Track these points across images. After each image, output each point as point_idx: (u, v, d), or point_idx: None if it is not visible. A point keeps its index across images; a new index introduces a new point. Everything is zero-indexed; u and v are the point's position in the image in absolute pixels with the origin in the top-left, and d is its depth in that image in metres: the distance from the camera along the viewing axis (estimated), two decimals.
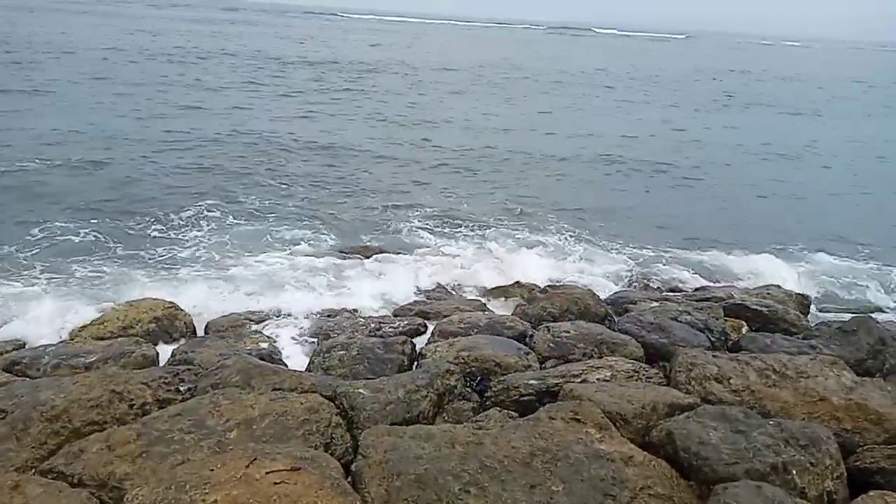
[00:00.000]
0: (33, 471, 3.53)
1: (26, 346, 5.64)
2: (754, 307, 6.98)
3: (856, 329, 6.02)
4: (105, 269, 7.99)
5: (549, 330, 6.12)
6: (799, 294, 8.14)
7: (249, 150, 15.37)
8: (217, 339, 5.83)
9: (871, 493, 3.39)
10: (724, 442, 3.60)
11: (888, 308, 8.63)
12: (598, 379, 4.91)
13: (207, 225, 10.04)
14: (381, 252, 9.15)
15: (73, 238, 9.05)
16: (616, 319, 6.83)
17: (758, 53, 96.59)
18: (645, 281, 8.84)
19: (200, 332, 6.31)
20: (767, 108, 30.86)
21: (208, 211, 10.62)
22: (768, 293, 7.88)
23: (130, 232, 9.52)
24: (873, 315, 7.16)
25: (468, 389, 5.11)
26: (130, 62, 29.21)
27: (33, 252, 8.42)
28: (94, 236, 9.17)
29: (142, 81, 23.96)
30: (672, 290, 8.45)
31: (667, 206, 13.45)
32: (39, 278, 7.56)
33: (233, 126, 17.61)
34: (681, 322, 6.41)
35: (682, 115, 26.63)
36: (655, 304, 7.13)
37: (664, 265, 9.87)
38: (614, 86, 36.04)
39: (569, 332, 6.04)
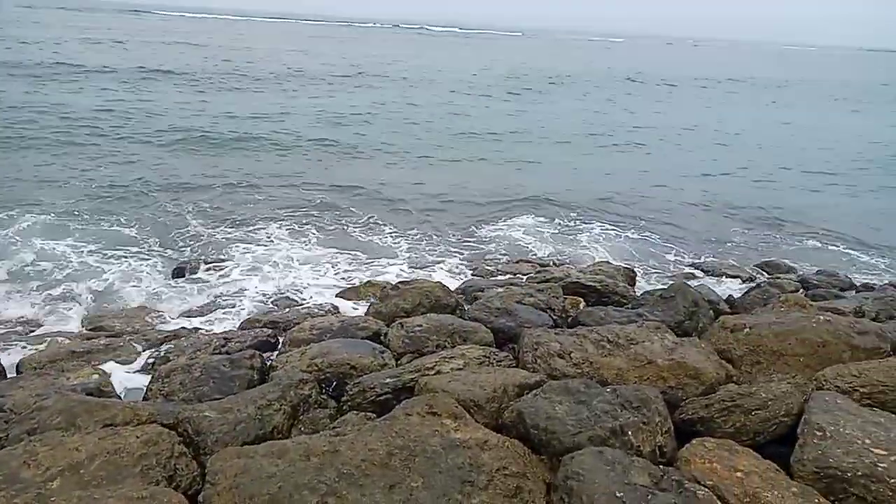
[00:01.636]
0: None
1: None
2: (589, 283, 7.54)
3: (674, 295, 6.71)
4: None
5: (402, 326, 6.13)
6: (626, 267, 8.93)
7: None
8: (34, 378, 5.15)
9: (694, 441, 3.80)
10: (569, 414, 3.84)
11: (699, 273, 9.75)
12: (451, 369, 5.01)
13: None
14: (214, 262, 8.66)
15: None
16: (467, 309, 7.03)
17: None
18: (489, 268, 9.20)
19: (12, 372, 5.54)
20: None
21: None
22: (600, 269, 8.56)
23: None
24: (687, 281, 8.07)
25: (324, 396, 4.98)
26: None
27: None
28: None
29: None
30: (515, 275, 8.89)
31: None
32: None
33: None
34: (525, 304, 6.75)
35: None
36: (501, 289, 7.45)
37: (516, 251, 10.41)
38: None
39: (421, 325, 6.10)
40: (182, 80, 28.37)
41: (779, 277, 9.11)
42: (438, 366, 5.04)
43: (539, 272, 8.79)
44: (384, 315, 6.82)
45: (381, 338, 6.11)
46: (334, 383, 5.16)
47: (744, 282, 9.14)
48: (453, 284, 8.32)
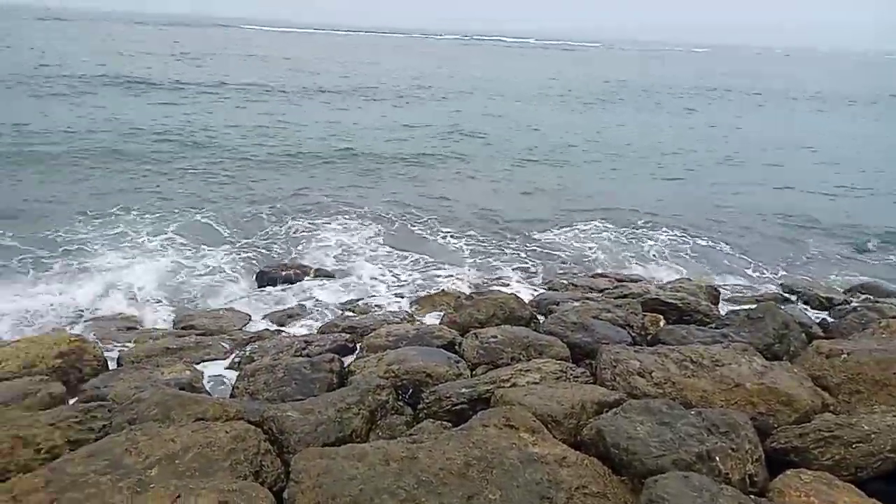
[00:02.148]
0: None
1: None
2: (669, 300, 7.31)
3: (762, 315, 6.42)
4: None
5: (476, 336, 6.15)
6: (709, 285, 8.60)
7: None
8: (132, 371, 5.50)
9: (788, 472, 3.61)
10: (651, 435, 3.73)
11: (787, 293, 9.27)
12: (527, 382, 4.98)
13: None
14: (300, 268, 8.97)
15: None
16: (541, 321, 6.98)
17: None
18: (567, 281, 9.08)
19: (113, 365, 5.93)
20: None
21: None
22: (681, 286, 8.28)
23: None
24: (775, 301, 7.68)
25: (400, 403, 5.06)
26: None
27: None
28: None
29: None
30: (592, 289, 8.74)
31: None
32: None
33: None
34: (602, 320, 6.62)
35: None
36: (577, 303, 7.34)
37: (586, 265, 10.27)
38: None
39: (496, 337, 6.10)
40: (285, 95, 29.51)
41: (878, 301, 8.51)
42: (514, 378, 5.02)
43: (616, 287, 8.59)
44: (458, 325, 6.86)
45: (456, 347, 6.14)
46: (410, 390, 5.23)
47: (838, 304, 8.60)
48: (527, 296, 8.30)
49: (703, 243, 11.57)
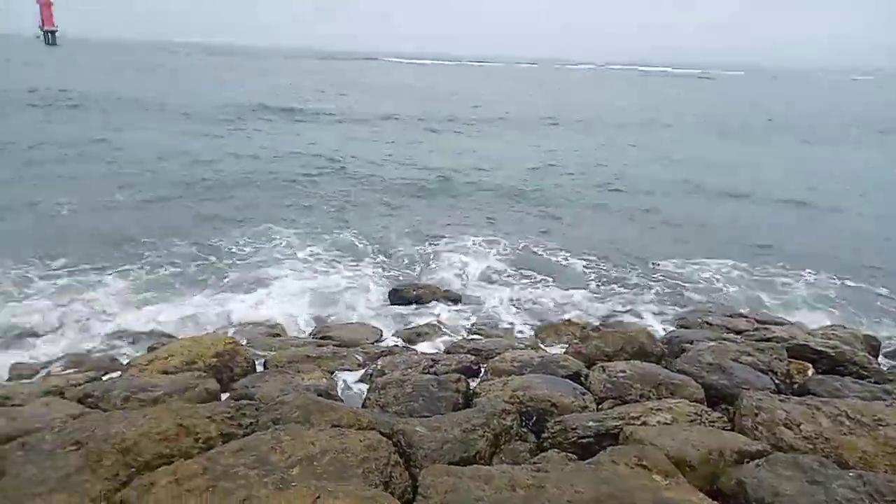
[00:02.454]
0: (106, 502, 3.64)
1: (100, 378, 5.86)
2: (820, 348, 6.71)
3: None
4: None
5: (604, 370, 6.01)
6: (867, 335, 7.79)
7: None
8: (276, 375, 5.94)
9: None
10: (801, 494, 3.45)
11: None
12: (658, 422, 4.79)
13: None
14: (429, 289, 9.24)
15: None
16: (673, 360, 6.67)
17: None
18: (701, 319, 8.61)
19: (259, 368, 6.45)
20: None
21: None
22: (834, 333, 7.57)
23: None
24: None
25: (524, 430, 5.05)
26: None
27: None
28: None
29: None
30: (729, 330, 8.21)
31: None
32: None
33: None
34: (742, 363, 6.21)
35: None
36: (713, 343, 6.94)
37: (720, 304, 9.70)
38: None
39: (625, 371, 5.92)
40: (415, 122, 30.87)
41: None
42: (645, 416, 4.84)
43: (757, 329, 8.02)
44: (584, 356, 6.74)
45: (582, 379, 6.03)
46: (534, 418, 5.20)
47: None
48: (656, 331, 7.99)
49: (856, 286, 10.51)
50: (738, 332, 7.87)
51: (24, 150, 18.58)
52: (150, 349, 6.79)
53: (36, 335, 7.43)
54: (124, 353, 7.00)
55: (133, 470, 3.93)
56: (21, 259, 9.68)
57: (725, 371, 5.98)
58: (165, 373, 5.88)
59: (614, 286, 10.21)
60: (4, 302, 8.12)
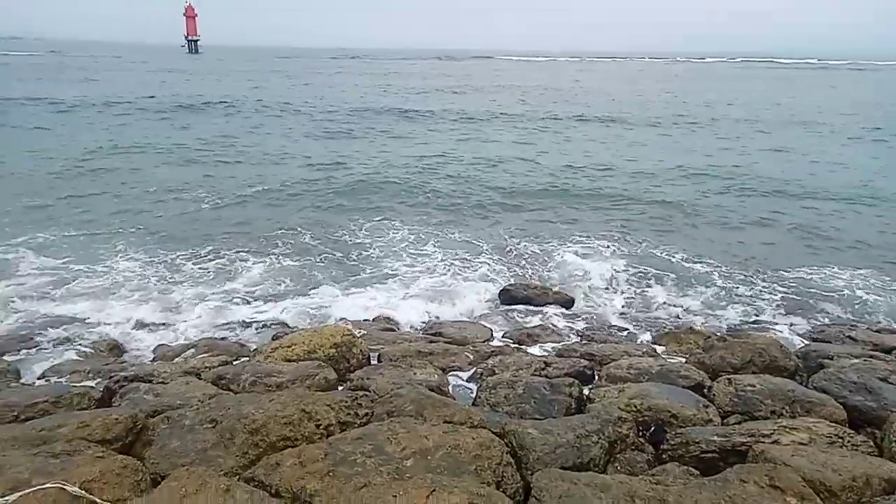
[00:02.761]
0: (237, 477, 3.90)
1: (229, 363, 6.31)
2: None
3: None
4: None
5: (730, 382, 5.64)
6: None
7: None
8: (390, 368, 6.10)
9: None
10: None
11: None
12: (793, 441, 4.41)
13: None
14: (542, 290, 9.13)
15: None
16: (809, 376, 6.14)
17: None
18: (843, 333, 7.86)
19: (374, 360, 6.66)
20: None
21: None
22: None
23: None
24: None
25: (641, 440, 4.84)
26: None
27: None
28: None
29: None
30: (876, 346, 7.43)
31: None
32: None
33: None
34: (892, 384, 5.59)
35: None
36: (857, 360, 6.30)
37: (867, 316, 8.83)
38: None
39: (754, 385, 5.53)
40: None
41: None
42: (777, 435, 4.48)
43: None
44: (707, 367, 6.37)
45: (704, 391, 5.70)
46: (652, 428, 4.98)
47: None
48: (788, 343, 7.38)
49: None
50: (888, 351, 7.11)
51: (190, 151, 20.57)
52: (274, 338, 7.21)
53: (178, 319, 8.16)
54: (252, 341, 7.49)
55: (260, 450, 4.19)
56: (170, 247, 10.80)
57: (873, 392, 5.41)
58: (288, 360, 6.21)
59: (739, 293, 9.58)
60: (155, 288, 8.98)
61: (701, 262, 10.93)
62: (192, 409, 4.68)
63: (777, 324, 8.57)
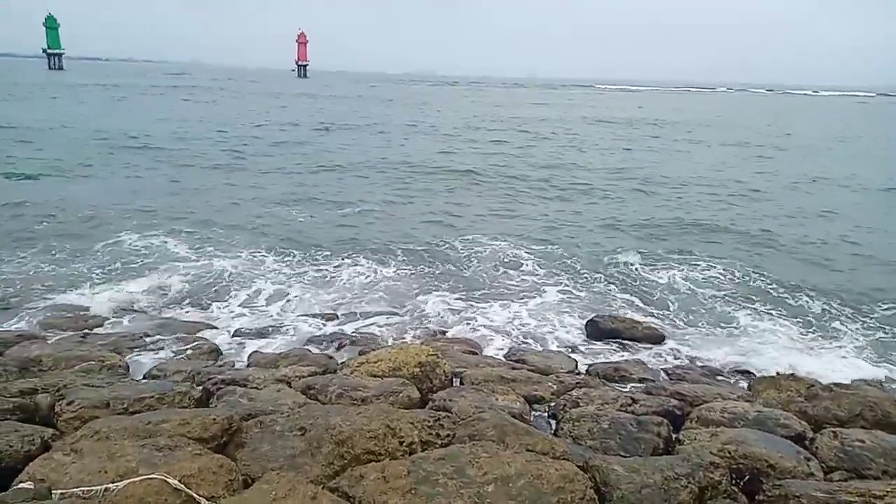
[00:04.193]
0: (322, 486, 4.02)
1: (318, 374, 6.53)
2: None
3: None
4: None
5: (836, 436, 5.25)
6: None
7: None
8: (472, 392, 6.10)
9: None
10: None
11: None
12: None
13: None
14: (630, 323, 8.88)
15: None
16: None
17: None
18: None
19: (456, 382, 6.68)
20: None
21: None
22: None
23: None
24: None
25: (734, 488, 4.58)
26: None
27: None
28: None
29: None
30: None
31: None
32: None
33: None
34: None
35: None
36: None
37: None
38: None
39: (863, 441, 5.11)
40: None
41: None
42: (890, 498, 4.11)
43: None
44: (809, 417, 5.95)
45: (806, 442, 5.32)
46: (747, 477, 4.70)
47: None
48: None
49: None
50: None
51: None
52: (361, 353, 7.39)
53: (273, 330, 8.57)
54: (340, 354, 7.72)
55: (346, 461, 4.30)
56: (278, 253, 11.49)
57: None
58: (373, 376, 6.35)
59: (847, 335, 8.90)
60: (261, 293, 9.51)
61: (806, 296, 10.27)
62: (283, 415, 4.89)
63: (888, 373, 7.90)
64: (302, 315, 9.03)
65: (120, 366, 6.75)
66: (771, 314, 9.74)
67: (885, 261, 12.75)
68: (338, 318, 9.03)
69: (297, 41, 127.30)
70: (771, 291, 10.71)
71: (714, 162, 27.42)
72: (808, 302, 10.25)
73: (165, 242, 11.99)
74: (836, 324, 9.42)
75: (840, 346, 8.68)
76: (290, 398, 5.64)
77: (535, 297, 10.05)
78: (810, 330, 9.18)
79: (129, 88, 66.05)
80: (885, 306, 10.13)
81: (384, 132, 34.94)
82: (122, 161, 21.68)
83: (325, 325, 8.79)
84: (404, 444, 4.58)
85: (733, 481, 4.63)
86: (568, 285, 10.67)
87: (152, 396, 5.37)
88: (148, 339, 7.90)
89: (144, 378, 6.58)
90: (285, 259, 11.44)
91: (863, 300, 10.37)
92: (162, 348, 7.65)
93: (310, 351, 7.75)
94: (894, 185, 22.18)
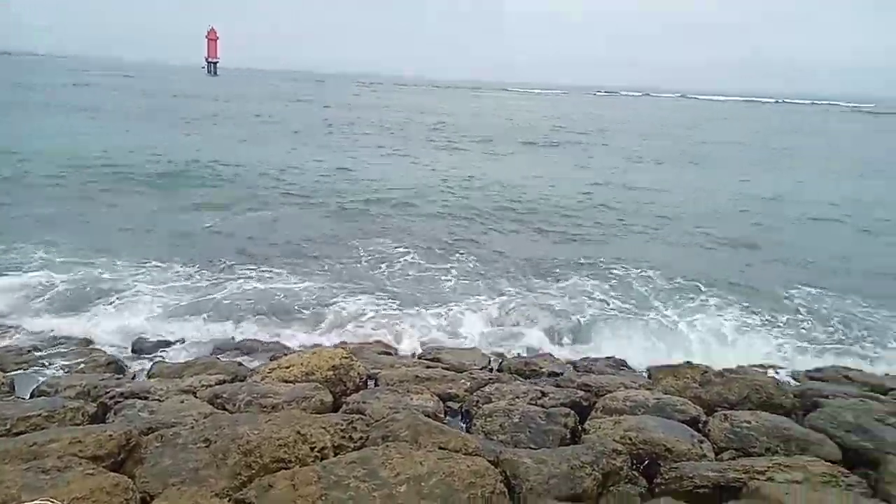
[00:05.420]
0: (228, 498, 3.90)
1: (226, 382, 6.30)
2: None
3: None
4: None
5: (726, 418, 5.65)
6: None
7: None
8: (387, 392, 6.09)
9: None
10: None
11: None
12: (787, 479, 4.41)
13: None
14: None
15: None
16: (805, 414, 6.13)
17: None
18: (840, 373, 7.86)
19: (371, 384, 6.64)
20: None
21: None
22: None
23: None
24: None
25: (635, 473, 4.84)
26: None
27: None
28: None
29: None
30: (874, 387, 7.41)
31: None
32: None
33: None
34: (889, 425, 5.58)
35: None
36: (855, 400, 6.30)
37: (862, 354, 8.83)
38: None
39: (749, 422, 5.54)
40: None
41: None
42: (771, 472, 4.48)
43: None
44: (703, 401, 6.35)
45: (700, 425, 5.69)
46: (646, 462, 4.98)
47: None
48: (786, 381, 7.38)
49: None
50: (884, 392, 7.09)
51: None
52: (272, 358, 7.21)
53: (177, 340, 8.19)
54: (251, 360, 7.49)
55: (253, 471, 4.18)
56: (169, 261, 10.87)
57: (868, 432, 5.41)
58: (285, 381, 6.22)
59: (744, 326, 9.59)
60: (150, 311, 8.98)
61: (707, 288, 10.97)
62: (187, 427, 4.69)
63: (773, 360, 8.56)
64: (210, 322, 8.69)
65: (3, 383, 6.25)
66: (671, 305, 10.34)
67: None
68: (248, 323, 8.75)
69: (206, 37, 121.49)
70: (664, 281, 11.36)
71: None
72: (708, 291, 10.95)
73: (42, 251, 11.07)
74: (729, 312, 10.12)
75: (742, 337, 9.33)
76: (195, 409, 5.41)
77: (449, 296, 10.15)
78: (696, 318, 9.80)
79: None
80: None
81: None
82: None
83: (234, 331, 8.49)
84: (315, 449, 4.51)
85: (634, 466, 4.88)
86: (481, 284, 10.85)
87: (40, 415, 5.01)
88: (37, 354, 7.35)
89: (32, 396, 6.12)
90: (185, 266, 10.87)
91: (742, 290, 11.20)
92: (52, 363, 7.14)
93: (218, 359, 7.47)
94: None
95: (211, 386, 6.09)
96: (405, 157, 27.19)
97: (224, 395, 5.76)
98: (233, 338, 8.31)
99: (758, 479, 4.32)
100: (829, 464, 4.82)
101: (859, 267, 13.24)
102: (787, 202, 20.23)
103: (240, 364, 7.22)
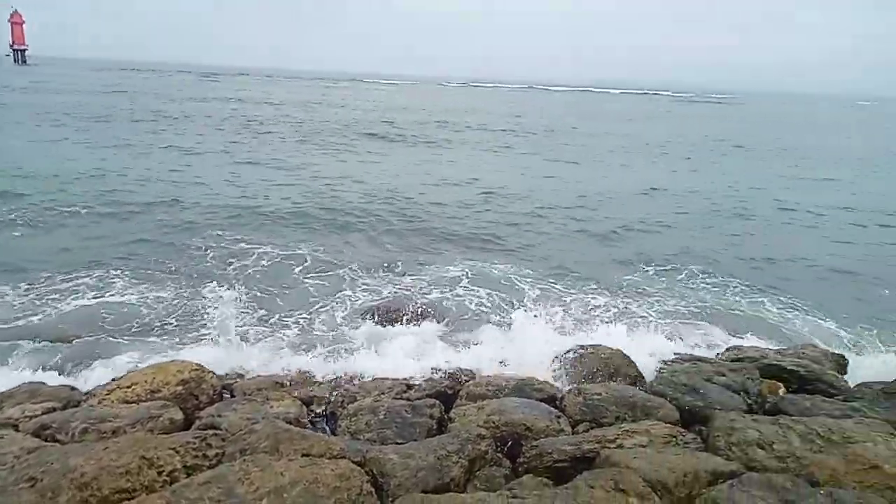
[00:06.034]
0: None
1: (56, 410, 5.60)
2: (791, 367, 6.78)
3: None
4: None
5: (579, 392, 5.99)
6: (835, 353, 7.90)
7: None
8: (244, 403, 5.75)
9: None
10: None
11: None
12: (634, 444, 4.76)
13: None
14: (410, 311, 9.17)
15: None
16: (648, 381, 6.67)
17: None
18: (673, 340, 8.66)
19: (227, 395, 6.25)
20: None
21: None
22: (804, 353, 7.67)
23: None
24: None
25: (499, 455, 4.97)
26: None
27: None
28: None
29: None
30: (702, 350, 8.26)
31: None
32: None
33: None
34: (715, 384, 6.24)
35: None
36: (688, 364, 6.97)
37: (694, 322, 9.79)
38: None
39: (600, 394, 5.91)
40: None
41: None
42: (620, 439, 4.81)
43: (729, 349, 8.09)
44: (559, 378, 6.71)
45: (556, 402, 5.99)
46: (509, 443, 5.14)
47: None
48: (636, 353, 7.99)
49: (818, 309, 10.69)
50: (711, 353, 7.93)
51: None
52: (113, 379, 6.54)
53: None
54: (85, 382, 6.73)
55: None
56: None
57: (699, 392, 6.01)
58: (127, 402, 5.67)
59: (589, 309, 10.23)
60: None
61: (557, 282, 11.58)
62: (6, 467, 4.10)
63: (622, 335, 9.21)
64: (33, 341, 7.70)
65: None
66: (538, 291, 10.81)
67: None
68: (79, 341, 7.86)
69: (9, 21, 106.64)
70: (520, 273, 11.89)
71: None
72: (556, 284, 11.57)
73: None
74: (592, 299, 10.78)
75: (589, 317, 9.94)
76: (16, 445, 4.74)
77: (313, 295, 9.86)
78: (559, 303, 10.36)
79: None
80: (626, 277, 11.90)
81: None
82: None
83: (63, 350, 7.59)
84: (164, 473, 4.14)
85: (498, 449, 5.01)
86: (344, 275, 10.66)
87: None
88: None
89: None
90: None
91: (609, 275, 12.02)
92: None
93: (44, 383, 6.62)
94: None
95: (37, 416, 5.38)
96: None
97: (53, 425, 5.11)
98: (60, 359, 7.42)
99: (609, 448, 4.61)
100: (669, 425, 5.27)
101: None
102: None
103: (72, 388, 6.46)
